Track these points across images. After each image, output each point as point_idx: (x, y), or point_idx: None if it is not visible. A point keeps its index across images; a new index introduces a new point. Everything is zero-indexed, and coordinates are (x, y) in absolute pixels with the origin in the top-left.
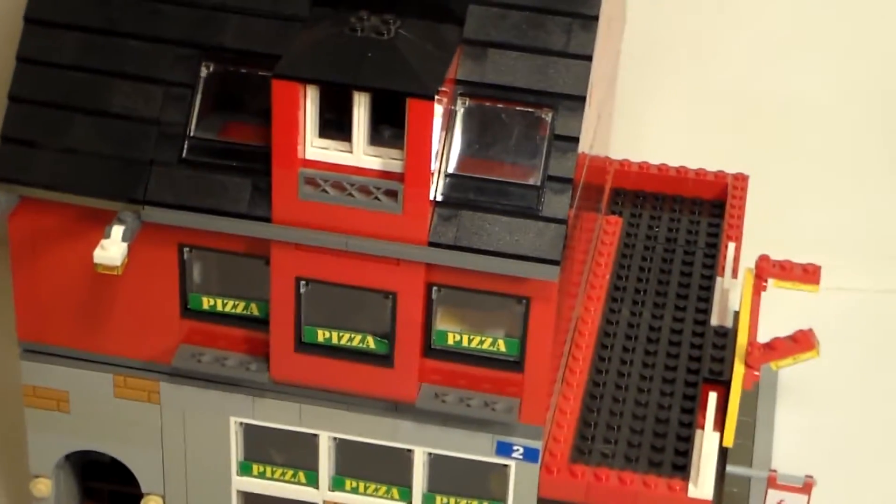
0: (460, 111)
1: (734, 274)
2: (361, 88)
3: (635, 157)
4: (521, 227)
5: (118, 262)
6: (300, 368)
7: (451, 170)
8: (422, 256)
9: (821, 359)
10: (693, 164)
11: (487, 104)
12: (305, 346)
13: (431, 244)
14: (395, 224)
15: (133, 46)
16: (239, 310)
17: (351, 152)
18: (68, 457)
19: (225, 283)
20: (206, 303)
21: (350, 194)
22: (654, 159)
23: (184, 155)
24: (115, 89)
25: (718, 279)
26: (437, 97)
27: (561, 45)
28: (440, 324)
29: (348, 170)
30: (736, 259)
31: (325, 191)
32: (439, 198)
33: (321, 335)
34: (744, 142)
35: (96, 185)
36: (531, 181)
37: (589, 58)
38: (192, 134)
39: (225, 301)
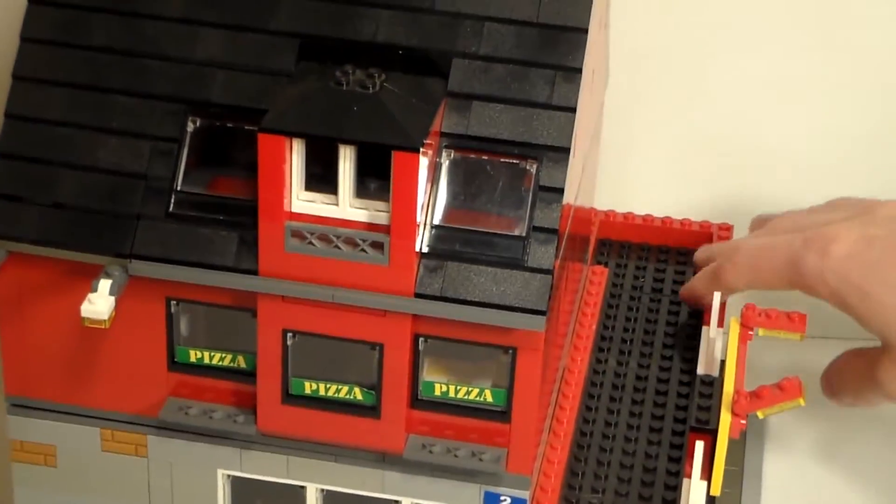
0: (445, 163)
1: (720, 323)
2: (347, 142)
3: (621, 208)
4: (507, 278)
5: (105, 316)
6: (287, 420)
7: (436, 221)
8: (408, 308)
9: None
10: (678, 215)
11: (472, 156)
12: (292, 397)
13: (418, 295)
14: (381, 276)
15: (120, 102)
16: (226, 362)
17: (337, 205)
18: None
19: (212, 336)
20: (194, 356)
21: (336, 247)
22: (640, 210)
23: (170, 209)
24: (101, 144)
25: (704, 328)
26: (422, 150)
27: (545, 98)
28: (427, 375)
29: (334, 222)
30: (722, 308)
31: (311, 243)
32: (425, 249)
33: (308, 387)
34: (727, 192)
35: (83, 239)
36: (516, 232)
37: (573, 109)
38: (178, 188)
39: (212, 354)
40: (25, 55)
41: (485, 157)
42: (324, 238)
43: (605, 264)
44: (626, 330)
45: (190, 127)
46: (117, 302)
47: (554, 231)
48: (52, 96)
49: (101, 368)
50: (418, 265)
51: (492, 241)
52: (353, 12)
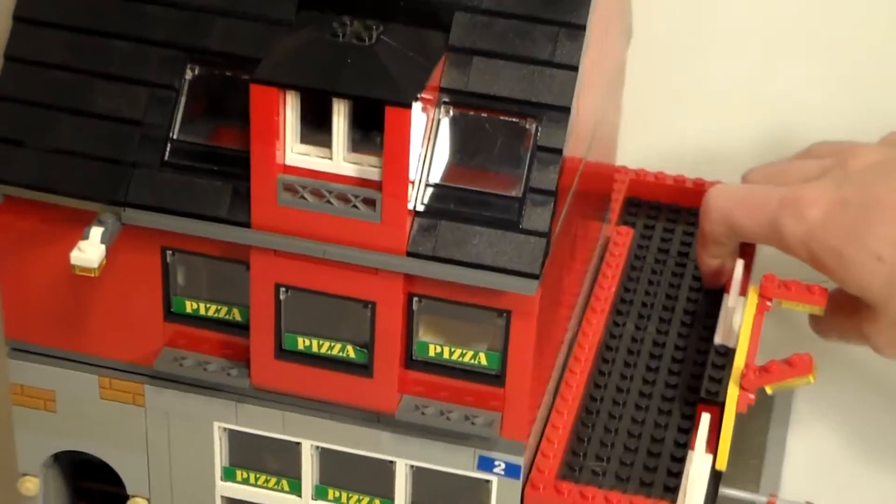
0: (444, 120)
1: (742, 291)
2: (339, 95)
3: (652, 167)
4: (502, 240)
5: (95, 265)
6: (280, 375)
7: (432, 179)
8: (399, 266)
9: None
10: (710, 175)
11: (471, 113)
12: (286, 353)
13: (410, 254)
14: (373, 233)
15: (119, 47)
16: (222, 314)
17: (331, 159)
18: (57, 456)
19: (208, 288)
20: (190, 307)
21: (329, 202)
22: (671, 170)
23: (166, 158)
24: (99, 90)
25: (725, 296)
26: (418, 105)
27: (547, 55)
28: (422, 335)
29: (328, 177)
30: (745, 277)
31: (303, 197)
32: (420, 207)
33: (301, 343)
34: (758, 149)
35: (77, 185)
36: (513, 192)
37: (574, 68)
38: (175, 137)
39: (208, 305)
40: None
41: (484, 115)
42: (316, 193)
43: (633, 225)
44: (647, 293)
45: (188, 75)
46: (110, 250)
47: (551, 192)
48: (51, 39)
49: (99, 316)
50: (412, 223)
51: (487, 201)
52: None
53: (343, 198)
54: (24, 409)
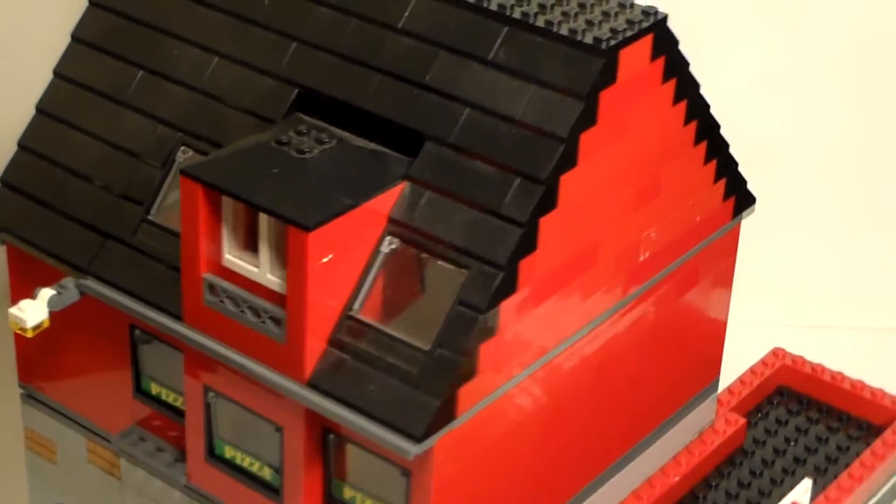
0: (384, 251)
1: None
2: (248, 203)
3: None
4: (397, 393)
5: (29, 325)
6: (210, 479)
7: (353, 311)
8: (297, 395)
9: None
10: None
11: (413, 250)
12: (215, 457)
13: (310, 384)
14: (280, 354)
15: (132, 118)
16: (179, 403)
17: (258, 268)
18: None
19: (167, 373)
20: (154, 389)
21: (243, 311)
22: None
23: (136, 236)
24: (103, 156)
25: None
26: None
27: (495, 205)
28: (336, 473)
29: (252, 286)
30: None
31: (223, 302)
32: (335, 337)
33: (228, 451)
34: None
35: (54, 245)
36: (424, 345)
37: (521, 224)
38: (149, 217)
39: (168, 392)
40: (70, 54)
41: (424, 255)
42: (234, 300)
43: (760, 415)
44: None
45: (179, 157)
46: (98, 311)
47: (458, 352)
48: (79, 100)
49: (86, 377)
50: (325, 352)
51: (397, 348)
52: (351, 71)
53: (256, 311)
54: (33, 454)
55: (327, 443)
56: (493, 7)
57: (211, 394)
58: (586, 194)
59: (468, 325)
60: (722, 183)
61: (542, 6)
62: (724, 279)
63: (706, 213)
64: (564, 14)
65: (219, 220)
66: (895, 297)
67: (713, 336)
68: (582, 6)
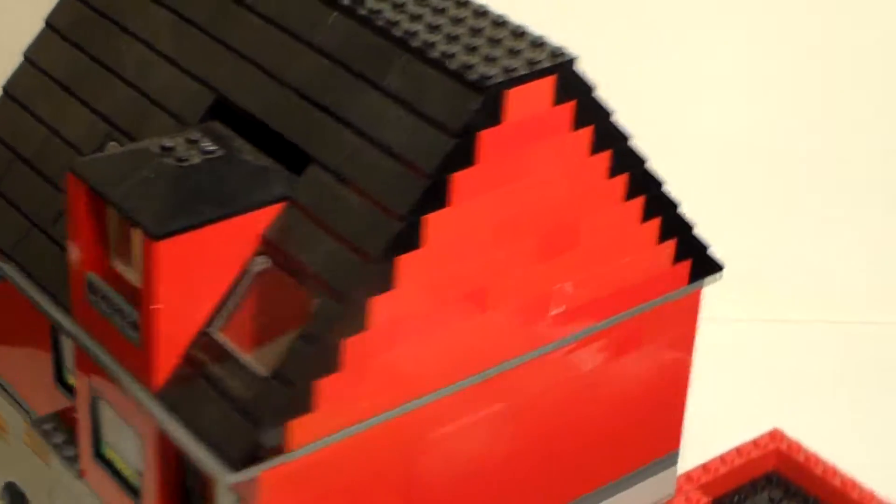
0: (252, 270)
1: None
2: (107, 201)
3: None
4: (228, 419)
5: None
6: (97, 478)
7: (211, 328)
8: (145, 403)
9: None
10: None
11: (280, 273)
12: (100, 458)
13: (159, 395)
14: (137, 361)
15: (77, 111)
16: None
17: (133, 271)
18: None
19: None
20: (72, 380)
21: (113, 313)
22: None
23: (55, 226)
24: (48, 145)
25: None
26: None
27: (355, 239)
28: (198, 487)
29: (127, 288)
30: None
31: (99, 301)
32: (190, 352)
33: (109, 453)
34: None
35: None
36: (264, 372)
37: (374, 260)
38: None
39: None
40: (41, 40)
41: (289, 280)
42: (106, 300)
43: (736, 499)
44: None
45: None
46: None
47: (292, 384)
48: (40, 86)
49: (24, 360)
50: (179, 366)
51: (240, 372)
52: (264, 83)
53: (122, 314)
54: None
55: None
56: (399, 33)
57: (94, 393)
58: (462, 237)
59: (307, 358)
60: (670, 244)
61: (449, 37)
62: (682, 347)
63: (649, 273)
64: (467, 47)
65: (103, 219)
66: (868, 291)
67: (668, 405)
68: (492, 40)
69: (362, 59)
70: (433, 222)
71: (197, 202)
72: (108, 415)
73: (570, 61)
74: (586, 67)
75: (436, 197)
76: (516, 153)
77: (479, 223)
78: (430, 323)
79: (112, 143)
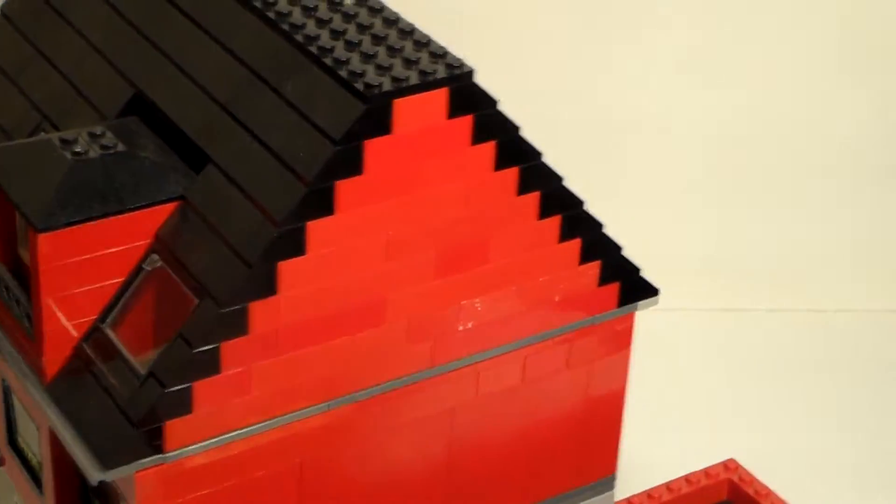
0: (146, 268)
1: None
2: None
3: None
4: (107, 416)
5: None
6: (12, 467)
7: (103, 324)
8: (35, 395)
9: None
10: None
11: (168, 272)
12: (14, 445)
13: (48, 388)
14: (32, 352)
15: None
16: None
17: None
18: None
19: None
20: None
21: (12, 303)
22: None
23: None
24: None
25: None
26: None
27: (236, 243)
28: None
29: (26, 279)
30: None
31: (3, 291)
32: (81, 346)
33: (21, 441)
34: None
35: None
36: (141, 370)
37: (251, 265)
38: None
39: None
40: None
41: (175, 278)
42: (9, 290)
43: None
44: None
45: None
46: None
47: (168, 384)
48: None
49: None
50: (71, 359)
51: (123, 369)
52: (178, 80)
53: (19, 304)
54: None
55: None
56: (301, 37)
57: (5, 381)
58: (352, 247)
59: (183, 359)
60: (593, 266)
61: (349, 43)
62: (615, 370)
63: (571, 294)
64: (364, 55)
65: (11, 209)
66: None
67: (603, 429)
68: (392, 49)
69: (267, 63)
70: (317, 230)
71: (87, 197)
72: (17, 404)
73: (467, 74)
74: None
75: (318, 204)
76: (409, 165)
77: (369, 234)
78: (319, 332)
79: (42, 134)
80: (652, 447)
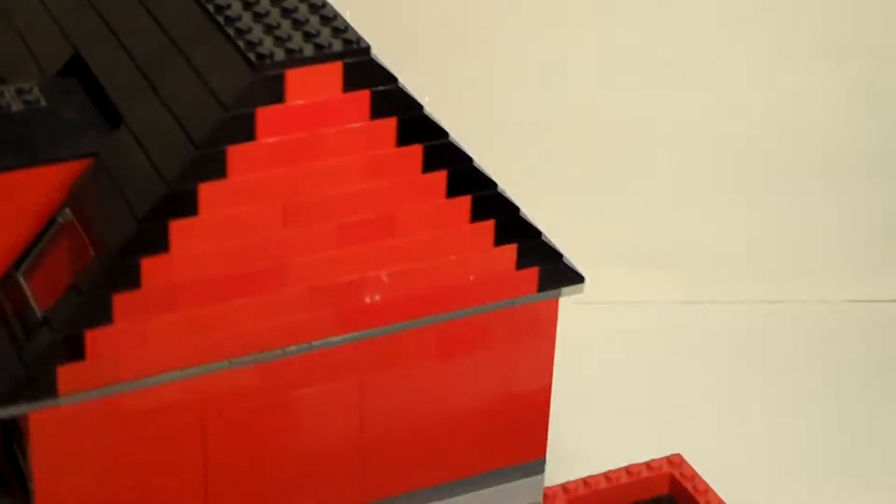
0: (59, 220)
1: None
2: None
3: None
4: (8, 360)
5: None
6: None
7: (15, 272)
8: None
9: None
10: None
11: (77, 225)
12: None
13: None
14: None
15: None
16: None
17: None
18: None
19: None
20: None
21: None
22: None
23: None
24: None
25: None
26: None
27: (132, 201)
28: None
29: None
30: None
31: None
32: None
33: None
34: None
35: None
36: (32, 318)
37: (141, 221)
38: None
39: None
40: None
41: (81, 231)
42: None
43: None
44: None
45: None
46: None
47: (59, 330)
48: None
49: None
50: None
51: (27, 314)
52: (108, 40)
53: None
54: None
55: None
56: (211, 7)
57: None
58: (246, 212)
59: (75, 307)
60: (510, 248)
61: (257, 14)
62: (537, 356)
63: (486, 276)
64: (268, 26)
65: None
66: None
67: (528, 412)
68: (296, 22)
69: (184, 31)
70: (208, 192)
71: (1, 149)
72: None
73: (364, 49)
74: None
75: (210, 167)
76: (304, 135)
77: (265, 199)
78: (217, 292)
79: None
80: (602, 439)
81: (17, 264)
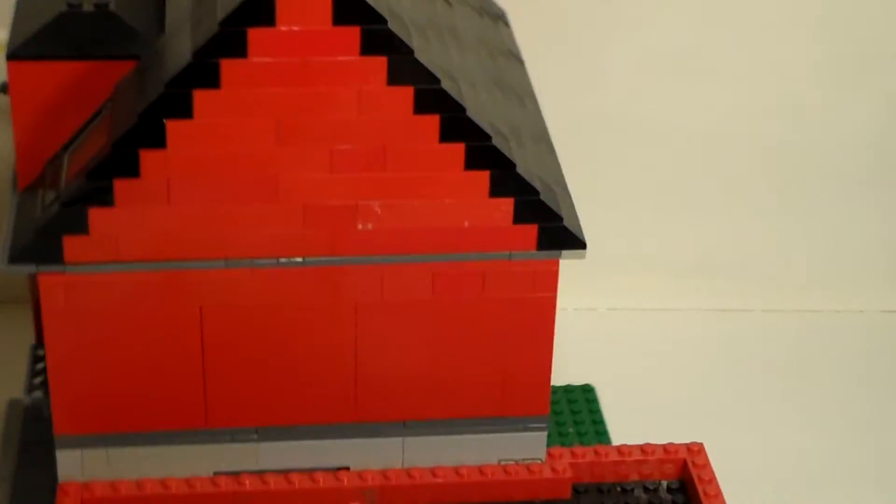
0: (104, 112)
1: None
2: None
3: None
4: (30, 226)
5: None
6: None
7: (63, 153)
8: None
9: None
10: None
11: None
12: None
13: (18, 195)
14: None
15: None
16: None
17: None
18: None
19: None
20: None
21: None
22: None
23: None
24: None
25: None
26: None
27: (142, 99)
28: None
29: None
30: None
31: None
32: (46, 168)
33: None
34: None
35: None
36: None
37: (141, 118)
38: None
39: None
40: None
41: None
42: None
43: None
44: None
45: None
46: None
47: (67, 204)
48: None
49: None
50: (38, 176)
51: (56, 191)
52: None
53: None
54: None
55: None
56: None
57: None
58: (239, 123)
59: (81, 187)
60: (506, 202)
61: None
62: (537, 315)
63: (481, 224)
64: None
65: None
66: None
67: (525, 367)
68: None
69: None
70: (203, 98)
71: (60, 42)
72: None
73: None
74: None
75: (203, 76)
76: (296, 60)
77: (258, 114)
78: (211, 192)
79: None
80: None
81: (66, 146)
